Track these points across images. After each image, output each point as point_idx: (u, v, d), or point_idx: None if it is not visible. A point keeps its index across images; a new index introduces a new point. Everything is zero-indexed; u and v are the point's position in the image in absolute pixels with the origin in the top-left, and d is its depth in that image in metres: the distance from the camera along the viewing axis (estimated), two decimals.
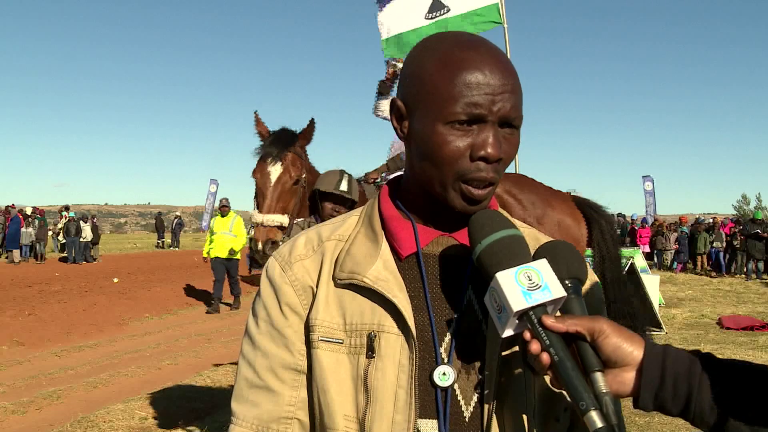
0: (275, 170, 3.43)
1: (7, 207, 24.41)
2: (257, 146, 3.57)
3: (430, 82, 0.91)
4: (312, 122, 3.61)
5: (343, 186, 3.43)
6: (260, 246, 3.30)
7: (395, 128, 0.99)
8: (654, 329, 9.38)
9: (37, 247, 22.35)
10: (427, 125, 0.91)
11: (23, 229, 21.53)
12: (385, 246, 0.97)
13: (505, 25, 5.80)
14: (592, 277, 1.04)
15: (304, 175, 3.57)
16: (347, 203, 3.43)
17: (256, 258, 3.38)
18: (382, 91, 4.39)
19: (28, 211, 23.92)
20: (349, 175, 3.52)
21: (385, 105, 4.28)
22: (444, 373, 0.91)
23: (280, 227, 3.40)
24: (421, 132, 0.93)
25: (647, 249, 20.27)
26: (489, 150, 0.89)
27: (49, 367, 7.32)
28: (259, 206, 3.41)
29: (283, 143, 3.47)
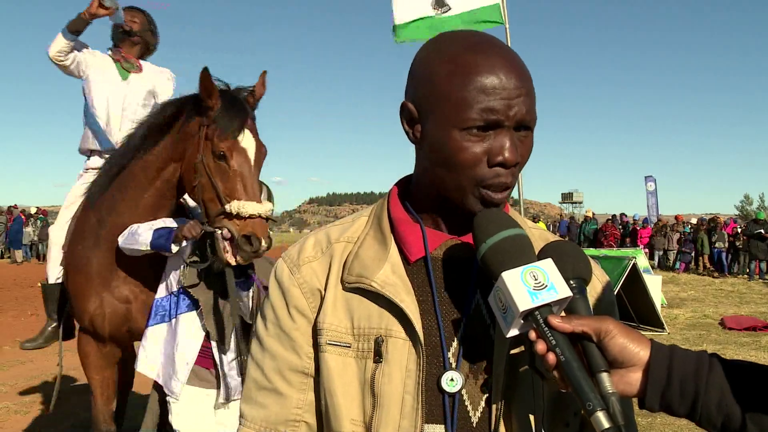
0: (249, 145, 2.68)
1: (9, 207, 24.44)
2: (207, 108, 2.68)
3: (443, 87, 0.90)
4: (264, 76, 2.88)
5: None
6: (264, 244, 2.58)
7: (406, 132, 0.97)
8: (656, 329, 9.37)
9: (39, 247, 22.39)
10: (442, 131, 0.90)
11: (25, 229, 21.57)
12: (393, 249, 0.96)
13: (507, 26, 5.78)
14: (603, 278, 1.04)
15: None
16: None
17: (245, 257, 2.60)
18: (114, 39, 3.59)
19: (32, 211, 23.96)
20: (267, 187, 2.93)
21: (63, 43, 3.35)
22: (452, 379, 0.90)
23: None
24: (435, 137, 0.92)
25: (647, 249, 20.23)
26: (507, 155, 0.88)
27: (51, 367, 7.31)
28: (236, 193, 2.61)
29: (245, 108, 2.73)
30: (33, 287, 14.14)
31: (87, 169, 3.59)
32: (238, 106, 2.71)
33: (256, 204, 2.62)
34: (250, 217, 2.59)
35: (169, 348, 2.83)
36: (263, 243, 2.59)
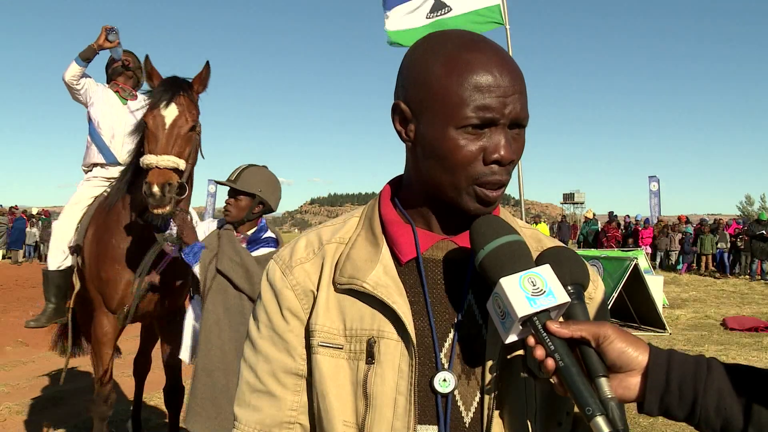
0: (169, 113, 3.14)
1: (10, 208, 24.51)
2: (149, 93, 3.31)
3: (438, 86, 0.90)
4: (207, 66, 3.33)
5: (233, 175, 3.11)
6: (156, 189, 2.93)
7: (398, 132, 0.97)
8: (657, 330, 9.37)
9: (41, 248, 22.42)
10: (438, 130, 0.90)
11: (28, 230, 21.62)
12: (385, 250, 0.96)
13: (507, 26, 5.78)
14: (601, 286, 1.04)
15: (199, 122, 3.30)
16: (235, 193, 3.07)
17: (151, 204, 2.97)
18: (109, 70, 4.29)
19: (34, 212, 24.02)
20: (250, 166, 3.16)
21: (83, 78, 4.07)
22: (444, 380, 0.90)
23: (177, 170, 3.06)
24: (430, 137, 0.91)
25: (650, 250, 20.21)
26: (502, 153, 0.89)
27: (53, 368, 7.33)
28: (151, 150, 3.08)
29: (176, 88, 3.22)
30: (35, 288, 14.15)
31: (89, 180, 4.14)
32: (162, 87, 3.22)
33: (151, 156, 3.06)
34: (148, 167, 3.04)
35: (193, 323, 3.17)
36: (154, 188, 2.94)
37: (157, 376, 6.97)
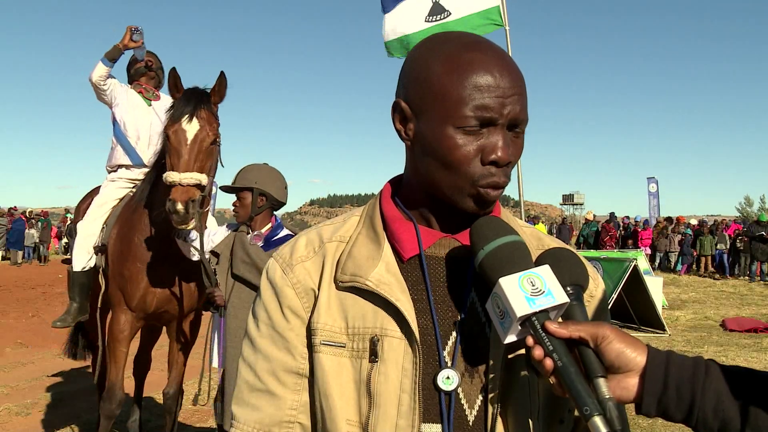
0: (191, 128, 3.21)
1: (10, 209, 24.50)
2: (170, 105, 3.36)
3: (438, 85, 0.90)
4: (222, 77, 3.37)
5: (233, 179, 3.26)
6: (180, 207, 3.01)
7: (398, 130, 0.97)
8: (657, 331, 9.37)
9: (41, 249, 22.40)
10: (436, 129, 0.90)
11: (27, 231, 21.60)
12: (387, 248, 0.96)
13: (507, 28, 5.79)
14: (601, 284, 1.04)
15: (219, 133, 3.37)
16: (235, 191, 3.26)
17: (175, 220, 3.06)
18: (132, 71, 4.30)
19: (28, 213, 24.01)
20: (246, 166, 3.31)
21: (111, 82, 4.13)
22: (448, 377, 0.90)
23: (199, 186, 3.14)
24: (429, 135, 0.92)
25: (649, 251, 20.21)
26: (499, 154, 0.89)
27: (52, 369, 7.33)
28: (174, 166, 3.14)
29: (196, 101, 3.27)
30: (34, 289, 14.16)
31: (114, 180, 4.18)
32: (187, 98, 3.25)
33: (174, 173, 3.10)
34: (171, 184, 3.09)
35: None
36: (178, 206, 3.00)
37: (156, 376, 6.98)
